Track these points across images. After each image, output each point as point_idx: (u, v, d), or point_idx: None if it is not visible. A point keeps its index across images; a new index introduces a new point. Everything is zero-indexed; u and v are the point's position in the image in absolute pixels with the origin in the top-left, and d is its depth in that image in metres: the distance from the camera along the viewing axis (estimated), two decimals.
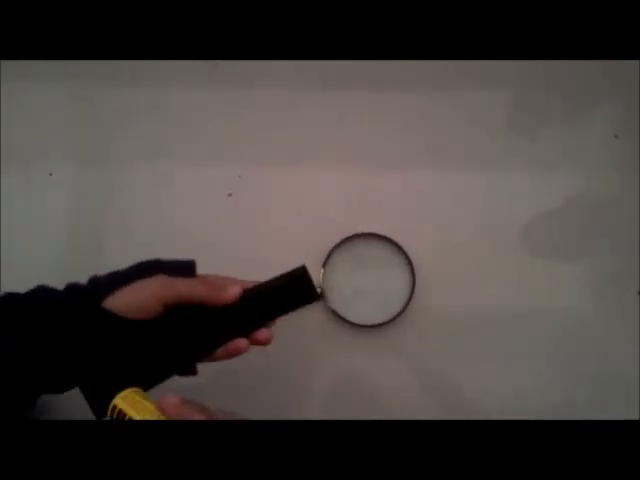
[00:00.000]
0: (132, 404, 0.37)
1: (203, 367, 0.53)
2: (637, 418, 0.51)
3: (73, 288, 0.42)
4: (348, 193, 0.58)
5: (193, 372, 0.44)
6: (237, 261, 0.57)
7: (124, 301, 0.40)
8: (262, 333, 0.43)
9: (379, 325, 0.54)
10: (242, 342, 0.42)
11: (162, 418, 0.35)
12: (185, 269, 0.44)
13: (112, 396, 0.37)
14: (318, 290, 0.44)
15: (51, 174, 0.59)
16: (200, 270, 0.45)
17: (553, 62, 0.57)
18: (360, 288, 0.56)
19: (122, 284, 0.41)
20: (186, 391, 0.54)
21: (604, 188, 0.58)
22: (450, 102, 0.59)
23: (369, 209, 0.58)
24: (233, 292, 0.42)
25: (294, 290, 0.44)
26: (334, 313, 0.54)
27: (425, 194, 0.58)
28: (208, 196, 0.58)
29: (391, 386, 0.55)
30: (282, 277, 0.44)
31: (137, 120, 0.60)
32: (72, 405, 0.49)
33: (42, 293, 0.41)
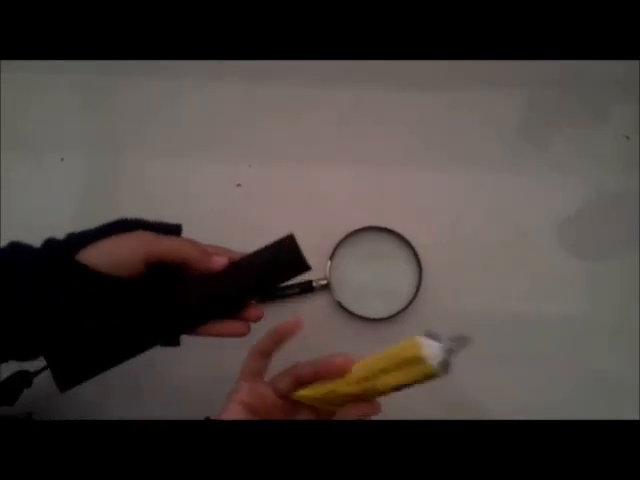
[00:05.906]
0: None
1: (203, 365, 0.53)
2: (637, 418, 0.52)
3: (49, 242, 0.38)
4: (356, 186, 0.58)
5: (176, 343, 0.40)
6: (244, 251, 0.57)
7: (99, 252, 0.36)
8: (252, 311, 0.41)
9: (384, 319, 0.54)
10: (237, 325, 0.40)
11: None
12: (170, 232, 0.40)
13: (80, 370, 0.34)
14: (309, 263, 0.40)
15: (62, 159, 0.59)
16: None
17: (564, 63, 0.57)
18: (366, 282, 0.56)
19: (100, 238, 0.37)
20: (188, 390, 0.54)
21: (614, 189, 0.58)
22: (462, 102, 0.59)
23: (377, 203, 0.58)
24: (219, 260, 0.40)
25: (282, 261, 0.40)
26: (340, 306, 0.55)
27: (434, 191, 0.58)
28: (217, 186, 0.58)
29: None
30: (269, 248, 0.40)
31: (148, 110, 0.60)
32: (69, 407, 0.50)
33: (13, 249, 0.37)
